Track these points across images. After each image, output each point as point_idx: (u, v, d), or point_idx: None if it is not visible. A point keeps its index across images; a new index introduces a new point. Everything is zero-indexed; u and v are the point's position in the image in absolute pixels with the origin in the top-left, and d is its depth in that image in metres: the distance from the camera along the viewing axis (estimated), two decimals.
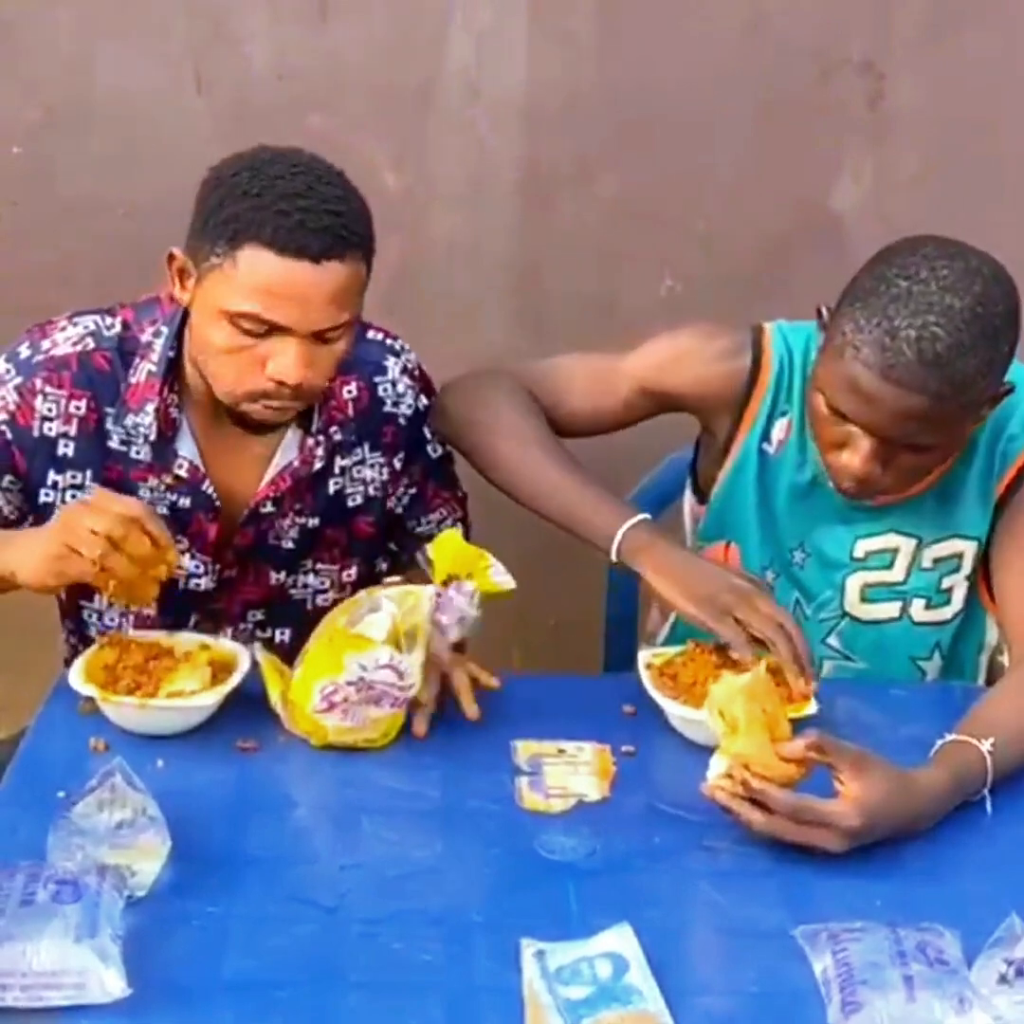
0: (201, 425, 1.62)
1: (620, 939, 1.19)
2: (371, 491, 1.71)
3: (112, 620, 1.72)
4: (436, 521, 1.79)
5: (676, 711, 1.49)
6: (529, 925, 1.21)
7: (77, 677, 1.46)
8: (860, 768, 1.32)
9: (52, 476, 1.61)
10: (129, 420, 1.59)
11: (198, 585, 1.68)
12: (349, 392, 1.67)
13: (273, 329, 1.46)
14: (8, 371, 1.59)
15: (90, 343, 1.59)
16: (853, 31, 2.21)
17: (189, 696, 1.45)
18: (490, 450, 1.68)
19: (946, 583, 1.68)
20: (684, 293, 2.31)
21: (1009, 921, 1.16)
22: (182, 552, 1.64)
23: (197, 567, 1.67)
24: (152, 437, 1.59)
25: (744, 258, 2.31)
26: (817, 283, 2.21)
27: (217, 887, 1.25)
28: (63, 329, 1.60)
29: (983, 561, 1.67)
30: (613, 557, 1.58)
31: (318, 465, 1.65)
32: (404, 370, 1.71)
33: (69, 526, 1.39)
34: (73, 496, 1.60)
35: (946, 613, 1.70)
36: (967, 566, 1.67)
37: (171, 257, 1.52)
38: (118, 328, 1.60)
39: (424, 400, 1.73)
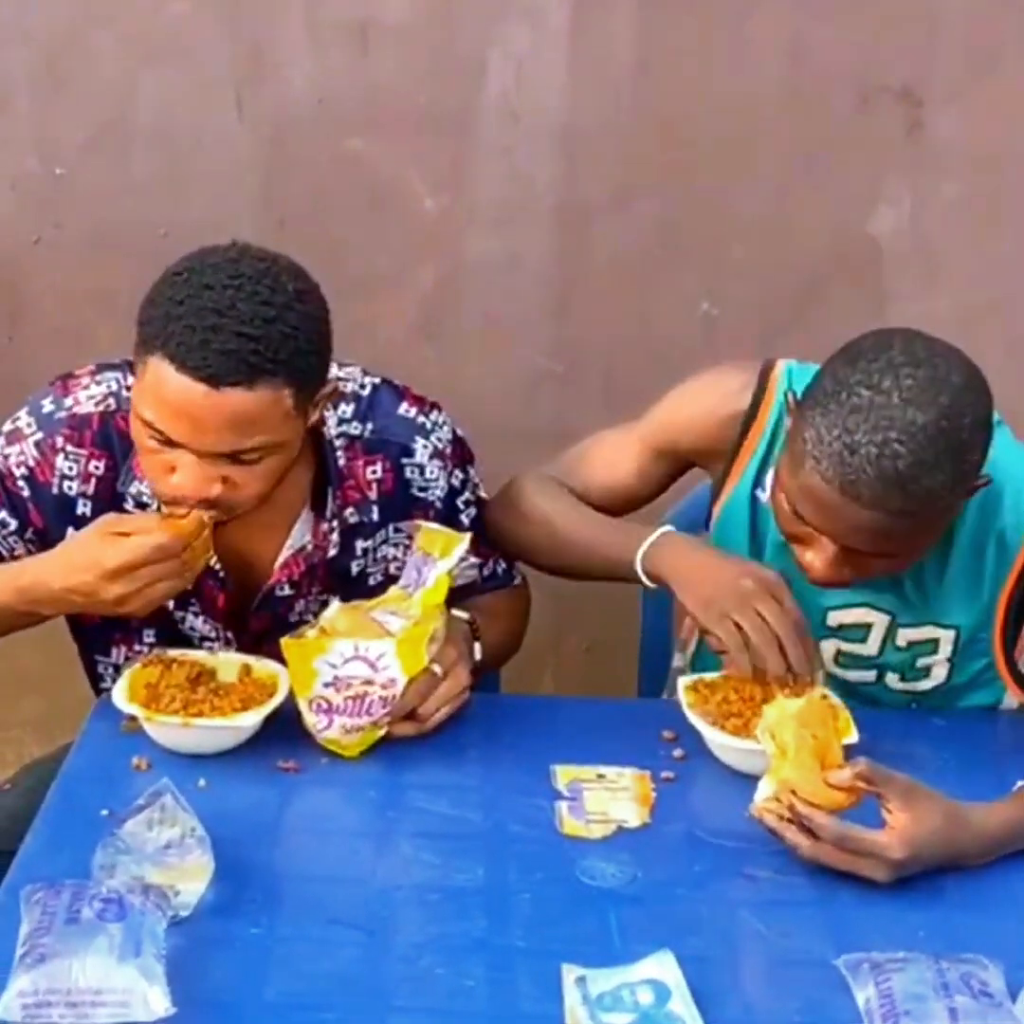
0: None
1: (661, 966, 1.18)
2: (392, 569, 1.65)
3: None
4: (479, 567, 1.74)
5: (716, 738, 1.49)
6: (570, 952, 1.21)
7: (120, 696, 1.47)
8: (909, 799, 1.31)
9: (70, 532, 1.56)
10: (134, 487, 1.56)
11: (212, 647, 1.64)
12: (373, 472, 1.61)
13: (172, 442, 1.42)
14: (29, 425, 1.57)
15: (112, 404, 1.56)
16: (893, 59, 2.21)
17: (232, 715, 1.45)
18: (529, 539, 1.71)
19: (922, 662, 1.63)
20: (721, 318, 2.32)
21: None
22: (195, 616, 1.63)
23: (211, 631, 1.65)
24: (153, 507, 1.55)
25: (781, 284, 2.31)
26: (853, 310, 2.23)
27: (259, 909, 1.26)
28: (86, 387, 1.58)
29: (1006, 643, 1.60)
30: (642, 577, 1.57)
31: (333, 551, 1.61)
32: (434, 453, 1.63)
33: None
34: None
35: (924, 685, 1.65)
36: (946, 650, 1.62)
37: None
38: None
39: (458, 475, 1.67)
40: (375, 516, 1.63)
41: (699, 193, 2.27)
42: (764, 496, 1.63)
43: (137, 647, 1.66)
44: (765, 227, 2.29)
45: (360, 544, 1.64)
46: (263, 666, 1.54)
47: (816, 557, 1.47)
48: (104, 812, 1.33)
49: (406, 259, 2.30)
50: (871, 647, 1.64)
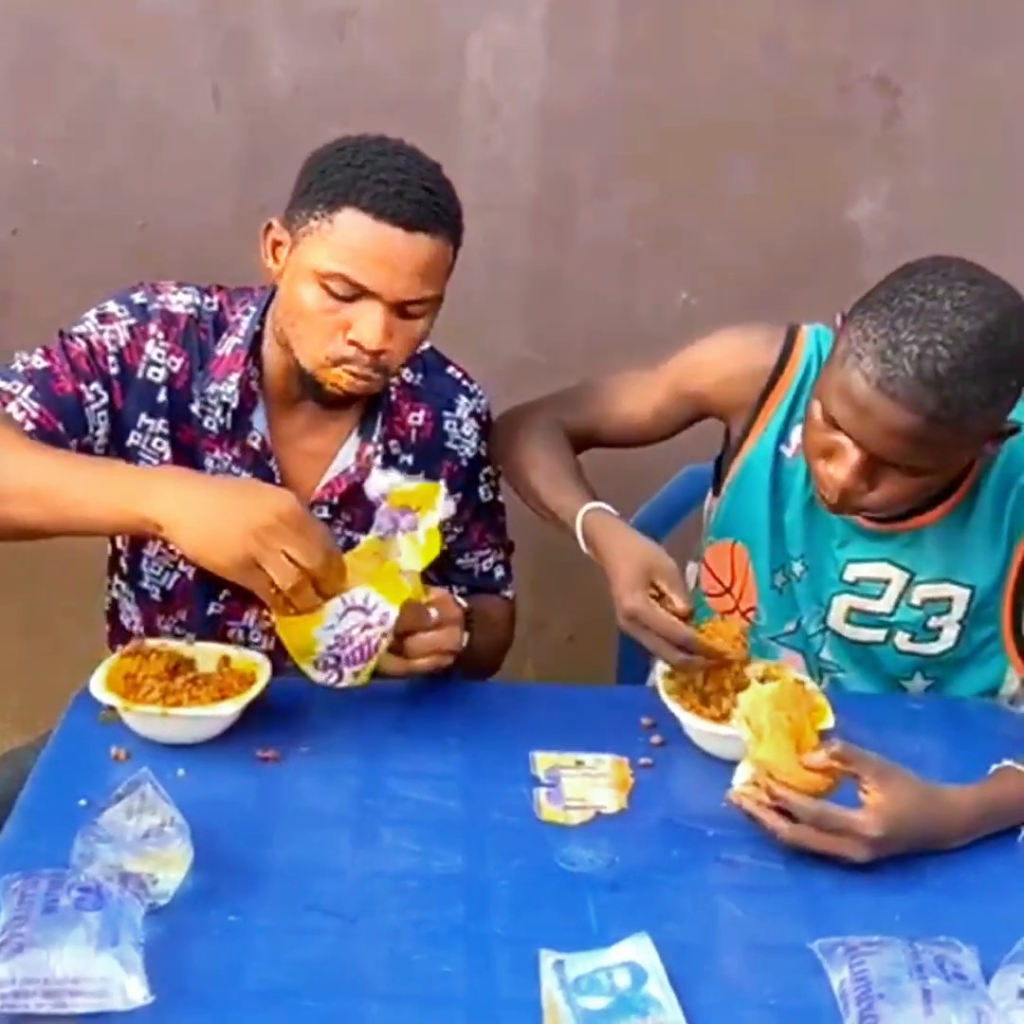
0: (272, 409, 1.66)
1: (638, 949, 1.19)
2: None
3: (156, 570, 1.71)
4: (479, 558, 1.81)
5: (694, 724, 1.50)
6: (548, 937, 1.21)
7: (99, 686, 1.46)
8: (885, 778, 1.33)
9: (144, 419, 1.63)
10: (211, 388, 1.62)
11: None
12: (415, 419, 1.71)
13: (360, 294, 1.51)
14: (121, 310, 1.63)
15: (195, 311, 1.65)
16: (871, 48, 2.22)
17: (210, 705, 1.45)
18: (514, 475, 1.75)
19: (933, 622, 1.65)
20: (699, 306, 2.32)
21: None
22: None
23: None
24: (234, 405, 1.62)
25: (759, 272, 2.32)
26: (831, 298, 2.22)
27: (238, 897, 1.26)
28: (174, 292, 1.66)
29: (1014, 612, 1.63)
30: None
31: (374, 474, 1.66)
32: (473, 413, 1.75)
33: (266, 542, 1.35)
34: (154, 443, 1.63)
35: (933, 648, 1.67)
36: (958, 611, 1.64)
37: (268, 227, 1.59)
38: (215, 306, 1.67)
39: (485, 446, 1.77)
40: (411, 461, 1.71)
41: (678, 182, 2.27)
42: (789, 452, 1.66)
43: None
44: (744, 216, 2.30)
45: None
46: (242, 656, 1.55)
47: (839, 467, 1.48)
48: (82, 802, 1.34)
49: None
50: (885, 604, 1.65)
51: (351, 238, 1.50)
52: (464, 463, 1.74)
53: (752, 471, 1.69)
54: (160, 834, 1.24)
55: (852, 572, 1.65)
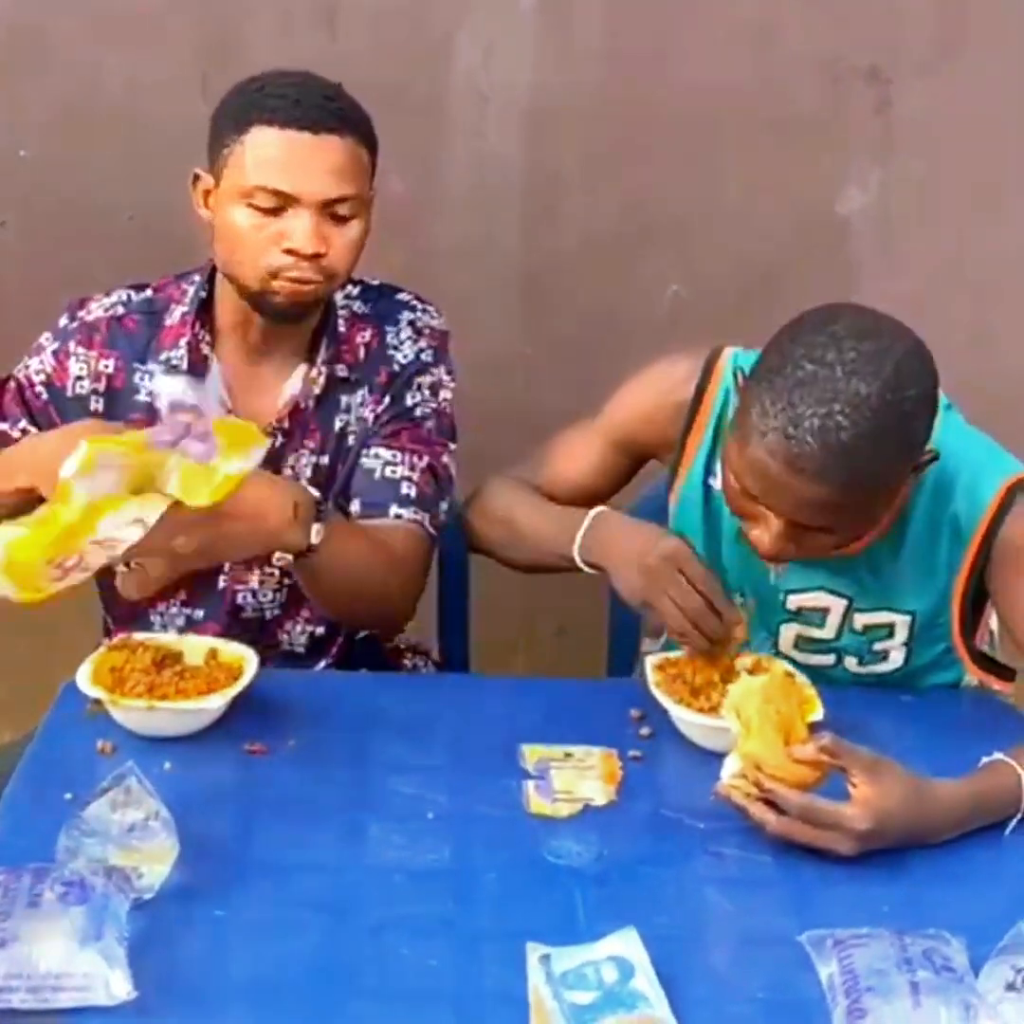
0: (231, 365, 1.70)
1: (626, 943, 1.18)
2: (363, 431, 1.73)
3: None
4: (383, 462, 1.70)
5: (683, 715, 1.49)
6: (536, 931, 1.21)
7: (85, 679, 1.46)
8: (873, 772, 1.32)
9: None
10: (163, 356, 1.69)
11: None
12: (363, 338, 1.75)
13: (284, 204, 1.57)
14: (48, 339, 1.74)
15: (119, 310, 1.72)
16: (861, 38, 2.21)
17: (197, 698, 1.45)
18: (495, 538, 1.76)
19: (878, 646, 1.64)
20: (689, 299, 2.32)
21: (1017, 928, 1.16)
22: None
23: None
24: (184, 367, 1.68)
25: (749, 265, 2.31)
26: (821, 291, 2.21)
27: (224, 890, 1.25)
28: (98, 300, 1.74)
29: (964, 628, 1.61)
30: (587, 570, 1.62)
31: (316, 391, 1.70)
32: (411, 324, 1.77)
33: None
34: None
35: (883, 668, 1.66)
36: (901, 635, 1.62)
37: (196, 178, 1.65)
38: (148, 293, 1.74)
39: (428, 356, 1.74)
40: (360, 376, 1.74)
41: (668, 175, 2.27)
42: (716, 484, 1.63)
43: None
44: (734, 208, 2.29)
45: (344, 398, 1.73)
46: (230, 650, 1.54)
47: (764, 533, 1.46)
48: (68, 796, 1.33)
49: (376, 241, 2.28)
50: (828, 631, 1.64)
51: (263, 151, 1.57)
52: (395, 368, 1.74)
53: (686, 507, 1.67)
54: (145, 828, 1.24)
55: (793, 602, 1.64)
